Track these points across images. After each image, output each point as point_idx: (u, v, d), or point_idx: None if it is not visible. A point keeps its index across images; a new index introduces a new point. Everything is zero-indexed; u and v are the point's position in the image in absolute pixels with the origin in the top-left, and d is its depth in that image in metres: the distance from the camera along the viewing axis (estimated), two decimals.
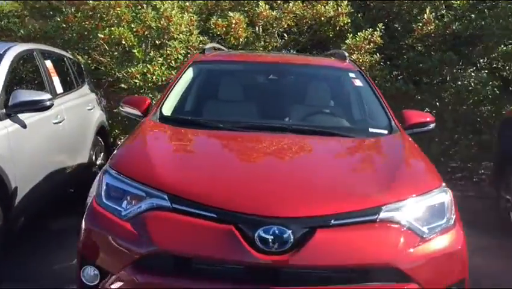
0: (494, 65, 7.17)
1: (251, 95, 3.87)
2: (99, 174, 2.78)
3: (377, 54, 6.68)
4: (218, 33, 6.93)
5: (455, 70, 6.86)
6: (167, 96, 3.67)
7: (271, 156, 2.97)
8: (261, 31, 7.12)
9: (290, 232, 2.25)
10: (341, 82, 3.92)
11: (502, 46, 6.73)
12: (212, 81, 4.04)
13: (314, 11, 6.89)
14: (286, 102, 3.76)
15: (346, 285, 2.25)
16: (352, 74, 3.96)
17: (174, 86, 3.77)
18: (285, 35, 7.36)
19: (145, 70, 6.33)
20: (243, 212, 2.31)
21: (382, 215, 2.38)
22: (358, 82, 3.86)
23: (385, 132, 3.33)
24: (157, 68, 6.40)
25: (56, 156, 4.66)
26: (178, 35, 6.48)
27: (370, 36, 6.55)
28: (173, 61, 6.60)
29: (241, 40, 6.78)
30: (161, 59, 6.54)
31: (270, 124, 3.36)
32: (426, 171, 2.82)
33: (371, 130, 3.37)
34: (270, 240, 2.24)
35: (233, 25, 6.63)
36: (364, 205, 2.40)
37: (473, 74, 7.10)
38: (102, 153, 6.03)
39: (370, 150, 3.20)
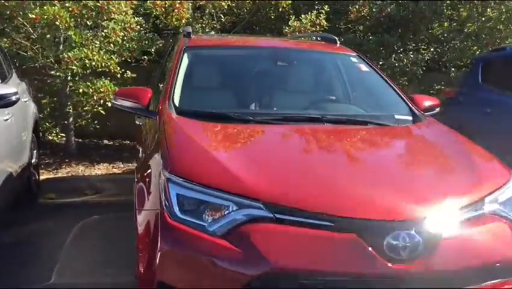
0: (423, 46, 7.56)
1: (263, 83, 3.57)
2: (161, 183, 2.34)
3: None
4: (155, 14, 6.42)
5: (393, 53, 7.09)
6: (173, 87, 3.27)
7: (337, 151, 2.76)
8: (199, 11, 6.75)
9: (419, 235, 2.09)
10: (348, 67, 3.80)
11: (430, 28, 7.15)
12: (216, 68, 3.68)
13: None
14: (302, 91, 3.56)
15: (478, 285, 2.16)
16: (354, 59, 3.87)
17: (176, 75, 3.37)
18: (222, 16, 7.05)
19: (83, 55, 5.65)
20: (369, 219, 2.10)
21: (486, 208, 2.32)
22: (363, 67, 3.78)
23: (410, 118, 3.29)
24: (95, 53, 5.76)
25: (7, 157, 4.00)
26: (118, 15, 5.87)
27: (315, 18, 6.52)
28: (111, 44, 6.00)
29: (183, 21, 6.35)
30: (98, 42, 5.90)
31: (304, 115, 3.13)
32: (495, 160, 2.78)
33: (397, 116, 3.30)
34: (400, 246, 2.06)
35: (177, 5, 6.18)
36: (470, 199, 2.31)
37: (401, 55, 7.44)
38: (35, 151, 5.30)
39: (421, 138, 3.12)
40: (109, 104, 5.77)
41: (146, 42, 6.50)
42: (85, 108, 6.26)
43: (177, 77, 3.36)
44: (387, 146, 2.96)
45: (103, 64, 5.80)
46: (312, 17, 6.49)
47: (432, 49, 7.41)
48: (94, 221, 4.30)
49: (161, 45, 6.58)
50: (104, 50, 5.91)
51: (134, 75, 6.29)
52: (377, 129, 3.08)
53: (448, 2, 7.04)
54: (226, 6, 6.73)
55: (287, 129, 2.96)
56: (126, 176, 6.15)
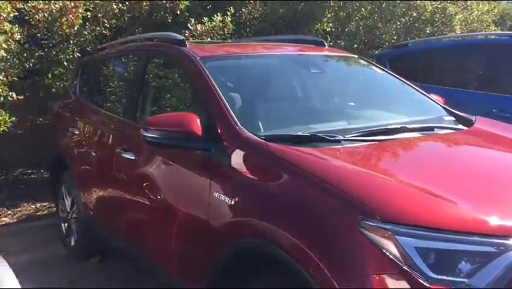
0: None
1: (307, 94, 3.08)
2: (373, 237, 1.76)
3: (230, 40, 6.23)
4: (35, 20, 5.14)
5: None
6: (227, 109, 2.60)
7: (486, 160, 2.48)
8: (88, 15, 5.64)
9: None
10: (366, 72, 3.52)
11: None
12: (253, 81, 3.04)
13: None
14: (344, 99, 3.16)
15: None
16: (363, 62, 3.62)
17: (219, 95, 2.69)
18: (106, 21, 6.04)
19: None
20: None
21: None
22: (377, 70, 3.57)
23: (453, 118, 3.21)
24: None
25: None
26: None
27: (222, 22, 6.03)
28: None
29: (75, 28, 5.24)
30: None
31: (382, 127, 2.76)
32: None
33: (446, 118, 3.17)
34: None
35: (71, 9, 5.04)
36: None
37: None
38: None
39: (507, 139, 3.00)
40: None
41: (25, 56, 5.22)
42: None
43: (219, 96, 2.68)
44: (497, 150, 2.80)
45: None
46: (219, 19, 6.00)
47: None
48: None
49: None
50: None
51: (21, 97, 4.97)
52: (460, 134, 2.90)
53: (332, 2, 7.25)
54: (116, 10, 5.80)
55: (408, 143, 2.59)
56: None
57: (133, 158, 3.15)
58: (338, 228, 1.88)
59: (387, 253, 1.74)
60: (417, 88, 3.51)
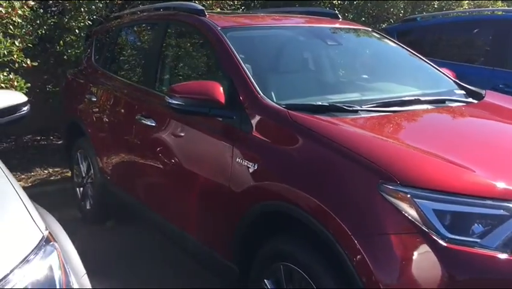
0: None
1: (323, 66, 3.17)
2: (393, 200, 1.90)
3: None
4: None
5: None
6: (250, 78, 2.70)
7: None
8: None
9: None
10: (379, 45, 3.61)
11: None
12: (273, 52, 3.13)
13: None
14: (359, 71, 3.26)
15: None
16: (376, 35, 3.70)
17: (240, 64, 2.78)
18: None
19: None
20: None
21: None
22: (391, 43, 3.65)
23: (463, 91, 3.31)
24: None
25: None
26: None
27: None
28: (11, 26, 4.64)
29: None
30: None
31: (397, 99, 2.86)
32: None
33: (456, 91, 3.28)
34: None
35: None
36: None
37: None
38: None
39: None
40: None
41: (38, 22, 5.27)
42: None
43: (242, 66, 2.78)
44: (507, 122, 2.91)
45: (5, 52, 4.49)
46: None
47: None
48: None
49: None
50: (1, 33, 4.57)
51: (35, 63, 5.03)
52: (471, 107, 3.00)
53: None
54: None
55: (423, 114, 2.72)
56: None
57: (153, 124, 3.25)
58: (359, 191, 2.01)
59: (406, 215, 1.88)
60: (428, 61, 3.60)
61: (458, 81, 3.47)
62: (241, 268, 2.61)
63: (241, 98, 2.65)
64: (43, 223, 1.67)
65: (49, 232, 1.66)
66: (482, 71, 5.21)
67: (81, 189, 4.53)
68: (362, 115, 2.59)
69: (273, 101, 2.60)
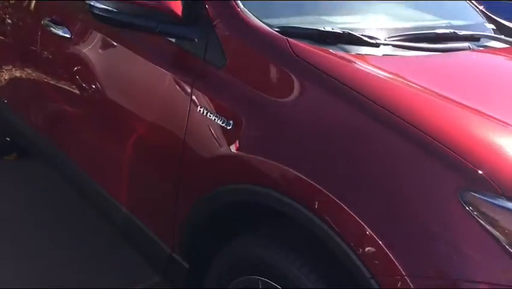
0: None
1: None
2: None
3: None
4: None
5: None
6: None
7: None
8: None
9: None
10: None
11: None
12: None
13: None
14: None
15: None
16: None
17: None
18: None
19: None
20: None
21: None
22: None
23: (493, 26, 2.50)
24: None
25: None
26: None
27: None
28: None
29: None
30: None
31: (430, 31, 1.99)
32: None
33: (486, 25, 2.46)
34: None
35: None
36: None
37: None
38: None
39: None
40: None
41: None
42: None
43: None
44: None
45: None
46: None
47: None
48: None
49: None
50: None
51: None
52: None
53: None
54: None
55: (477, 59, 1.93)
56: None
57: (68, 35, 2.20)
58: (423, 196, 1.16)
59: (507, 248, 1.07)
60: None
61: (486, 11, 2.65)
62: (193, 266, 1.77)
63: (208, 11, 1.66)
64: None
65: None
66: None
67: None
68: (386, 53, 1.71)
69: (261, 21, 1.63)
